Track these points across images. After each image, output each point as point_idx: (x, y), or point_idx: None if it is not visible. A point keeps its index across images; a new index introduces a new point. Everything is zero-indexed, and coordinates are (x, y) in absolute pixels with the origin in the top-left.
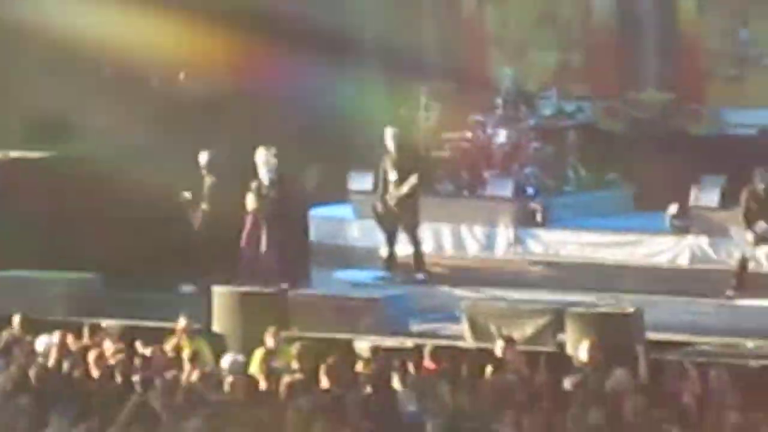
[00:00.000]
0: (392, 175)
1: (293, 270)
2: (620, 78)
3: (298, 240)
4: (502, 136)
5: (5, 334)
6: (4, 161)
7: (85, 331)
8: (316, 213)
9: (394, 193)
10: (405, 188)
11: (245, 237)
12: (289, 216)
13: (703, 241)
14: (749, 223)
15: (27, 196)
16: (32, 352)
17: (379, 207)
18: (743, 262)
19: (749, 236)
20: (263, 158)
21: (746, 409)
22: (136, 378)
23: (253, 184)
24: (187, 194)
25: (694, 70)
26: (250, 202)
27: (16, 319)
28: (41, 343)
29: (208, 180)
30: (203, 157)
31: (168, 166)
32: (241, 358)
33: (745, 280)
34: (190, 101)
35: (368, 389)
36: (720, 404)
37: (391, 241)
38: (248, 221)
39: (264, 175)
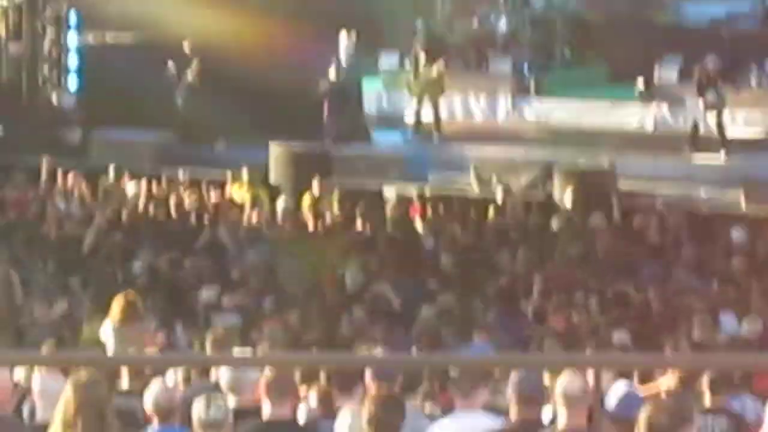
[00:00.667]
0: (422, 57)
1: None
2: None
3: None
4: (503, 23)
5: (102, 181)
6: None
7: (164, 180)
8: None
9: (424, 72)
10: (434, 71)
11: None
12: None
13: (664, 108)
14: (700, 93)
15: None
16: (124, 197)
17: (412, 82)
18: (695, 126)
19: (700, 104)
20: (344, 42)
21: (698, 244)
22: (206, 219)
23: (333, 64)
24: None
25: None
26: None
27: (111, 169)
28: (131, 189)
29: None
30: None
31: None
32: (292, 202)
33: (697, 141)
34: None
35: (394, 229)
36: (677, 241)
37: (419, 109)
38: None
39: (342, 56)
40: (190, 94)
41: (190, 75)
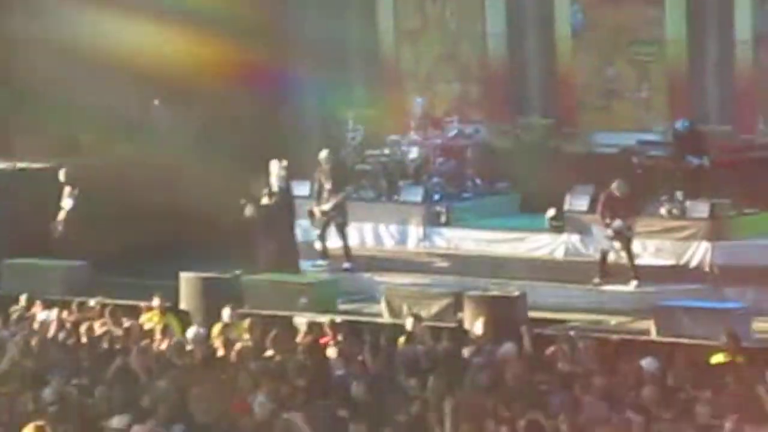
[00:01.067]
0: (327, 185)
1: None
2: (510, 106)
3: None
4: (414, 152)
5: (13, 310)
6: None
7: (74, 308)
8: None
9: (327, 200)
10: (332, 202)
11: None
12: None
13: (575, 238)
14: (606, 221)
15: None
16: (34, 325)
17: (316, 211)
18: (604, 255)
19: (608, 232)
20: (276, 169)
21: (608, 373)
22: (117, 346)
23: (265, 190)
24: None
25: (569, 101)
26: (264, 201)
27: (22, 298)
28: (41, 317)
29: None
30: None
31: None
32: (203, 330)
33: (606, 270)
34: None
35: (305, 356)
36: (587, 369)
37: (323, 237)
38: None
39: (274, 182)
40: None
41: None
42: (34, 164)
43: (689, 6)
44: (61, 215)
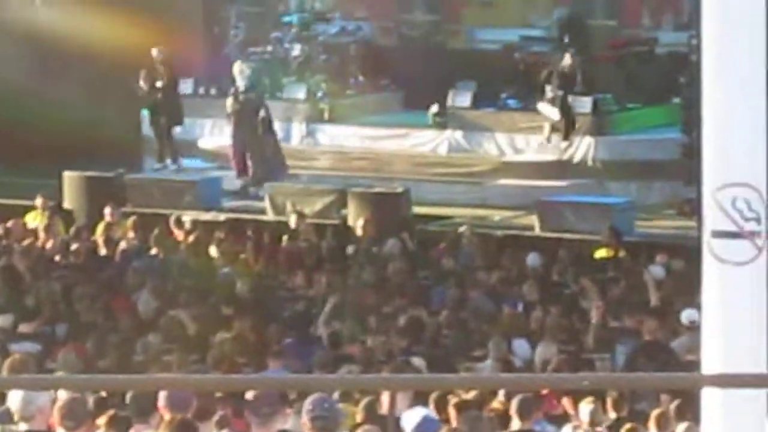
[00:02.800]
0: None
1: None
2: (393, 2)
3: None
4: (296, 49)
5: None
6: None
7: None
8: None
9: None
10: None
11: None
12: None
13: (458, 134)
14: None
15: None
16: None
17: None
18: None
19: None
20: (238, 69)
21: (492, 269)
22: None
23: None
24: None
25: None
26: (228, 104)
27: None
28: None
29: None
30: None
31: None
32: (85, 229)
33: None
34: None
35: (189, 255)
36: (471, 265)
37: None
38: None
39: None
40: None
41: None
42: None
43: None
44: None
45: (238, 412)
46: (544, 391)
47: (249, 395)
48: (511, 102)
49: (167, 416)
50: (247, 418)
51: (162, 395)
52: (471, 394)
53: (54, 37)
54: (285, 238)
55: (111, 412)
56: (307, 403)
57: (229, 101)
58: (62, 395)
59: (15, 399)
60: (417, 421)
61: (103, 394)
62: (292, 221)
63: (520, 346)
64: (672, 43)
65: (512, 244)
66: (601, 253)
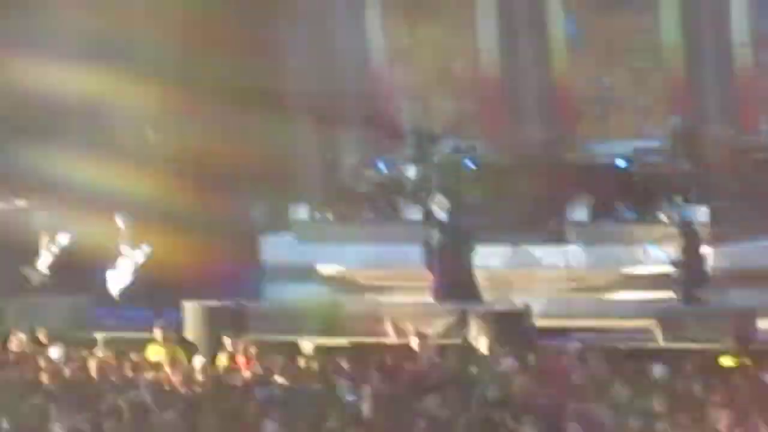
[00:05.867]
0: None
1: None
2: (506, 121)
3: None
4: (411, 171)
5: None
6: None
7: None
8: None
9: None
10: None
11: None
12: None
13: (576, 248)
14: None
15: None
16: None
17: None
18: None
19: None
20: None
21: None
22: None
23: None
24: None
25: (567, 112)
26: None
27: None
28: (53, 353)
29: None
30: None
31: None
32: (208, 359)
33: None
34: None
35: (313, 381)
36: (598, 379)
37: None
38: None
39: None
40: None
41: None
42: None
43: (683, 10)
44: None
45: None
46: None
47: None
48: (629, 214)
49: None
50: None
51: None
52: None
53: None
54: (408, 360)
55: None
56: None
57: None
58: None
59: None
60: None
61: None
62: (414, 343)
63: None
64: None
65: (636, 356)
66: (726, 362)
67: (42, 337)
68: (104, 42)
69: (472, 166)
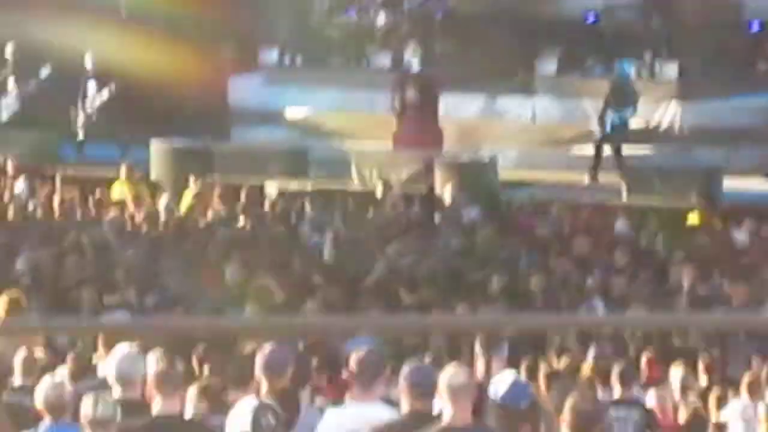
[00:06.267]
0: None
1: None
2: None
3: None
4: (381, 18)
5: None
6: None
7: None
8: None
9: None
10: None
11: None
12: None
13: (545, 100)
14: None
15: None
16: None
17: None
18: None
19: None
20: None
21: (582, 236)
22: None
23: None
24: None
25: None
26: None
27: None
28: (18, 187)
29: None
30: None
31: None
32: (173, 199)
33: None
34: None
35: (276, 223)
36: (559, 232)
37: None
38: None
39: None
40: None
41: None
42: None
43: None
44: None
45: (333, 378)
46: (643, 359)
47: (352, 362)
48: (598, 69)
49: (265, 383)
50: (345, 385)
51: (259, 362)
52: (562, 364)
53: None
54: (372, 206)
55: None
56: (405, 370)
57: None
58: (155, 363)
59: (113, 368)
60: (508, 384)
61: (196, 361)
62: (379, 189)
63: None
64: (761, 9)
65: (601, 211)
66: (693, 219)
67: (9, 168)
68: None
69: (444, 15)
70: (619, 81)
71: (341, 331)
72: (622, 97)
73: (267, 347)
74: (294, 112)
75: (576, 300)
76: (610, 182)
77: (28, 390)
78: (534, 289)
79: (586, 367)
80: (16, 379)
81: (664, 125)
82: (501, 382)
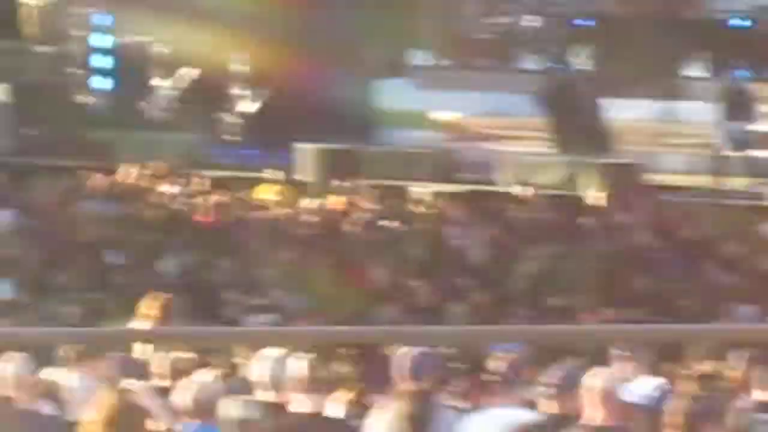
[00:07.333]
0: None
1: None
2: None
3: None
4: (530, 21)
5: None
6: None
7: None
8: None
9: None
10: None
11: None
12: None
13: (693, 104)
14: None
15: None
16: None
17: None
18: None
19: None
20: None
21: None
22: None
23: None
24: None
25: None
26: None
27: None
28: (168, 189)
29: None
30: None
31: None
32: (319, 201)
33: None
34: None
35: (423, 226)
36: (710, 236)
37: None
38: None
39: None
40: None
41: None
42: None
43: None
44: None
45: (473, 381)
46: None
47: (494, 365)
48: (746, 72)
49: (405, 386)
50: (485, 387)
51: (400, 365)
52: (706, 366)
53: None
54: (519, 209)
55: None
56: (548, 372)
57: None
58: (300, 365)
59: (258, 370)
60: (649, 388)
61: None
62: (526, 193)
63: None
64: None
65: (753, 214)
66: None
67: (160, 170)
68: None
69: (592, 21)
70: (735, 89)
71: (482, 341)
72: (739, 106)
73: (407, 350)
74: (442, 115)
75: (723, 305)
76: (753, 186)
77: (169, 391)
78: (681, 293)
79: (729, 372)
80: (158, 380)
81: None
82: (643, 385)
